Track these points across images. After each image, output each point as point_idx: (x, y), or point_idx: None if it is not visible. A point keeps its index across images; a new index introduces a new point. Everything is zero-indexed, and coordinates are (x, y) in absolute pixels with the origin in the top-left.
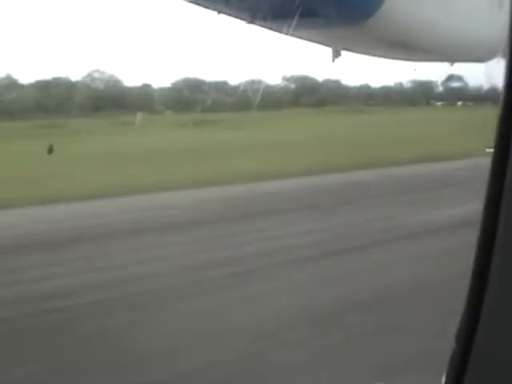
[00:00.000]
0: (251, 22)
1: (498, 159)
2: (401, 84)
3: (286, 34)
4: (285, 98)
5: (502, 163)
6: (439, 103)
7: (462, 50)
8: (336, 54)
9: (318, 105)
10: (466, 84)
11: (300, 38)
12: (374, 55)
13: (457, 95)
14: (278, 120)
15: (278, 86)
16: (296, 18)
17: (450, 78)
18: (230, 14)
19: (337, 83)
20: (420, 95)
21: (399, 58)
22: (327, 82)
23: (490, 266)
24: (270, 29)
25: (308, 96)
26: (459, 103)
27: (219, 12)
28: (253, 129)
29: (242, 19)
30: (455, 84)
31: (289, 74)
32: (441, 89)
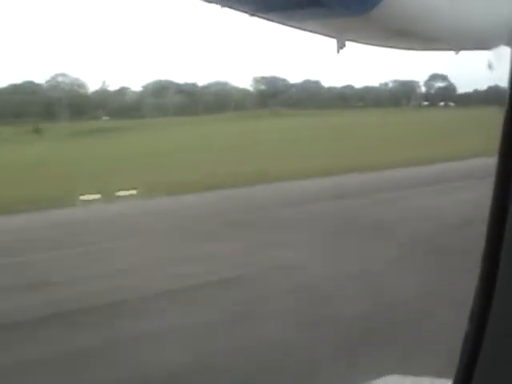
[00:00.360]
0: (254, 14)
1: (503, 161)
2: (386, 84)
3: (290, 25)
4: (247, 99)
5: (507, 165)
6: (414, 104)
7: (469, 37)
8: (341, 45)
9: (282, 107)
10: (451, 84)
11: (304, 29)
12: (380, 45)
13: (440, 96)
14: (196, 126)
15: (239, 87)
16: (300, 9)
17: (434, 77)
18: (232, 7)
19: (316, 84)
20: (402, 95)
21: (405, 48)
22: (307, 83)
23: (501, 243)
24: (274, 21)
25: (272, 98)
26: (441, 104)
27: (222, 5)
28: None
29: (245, 12)
30: (439, 84)
31: (259, 75)
32: (423, 89)
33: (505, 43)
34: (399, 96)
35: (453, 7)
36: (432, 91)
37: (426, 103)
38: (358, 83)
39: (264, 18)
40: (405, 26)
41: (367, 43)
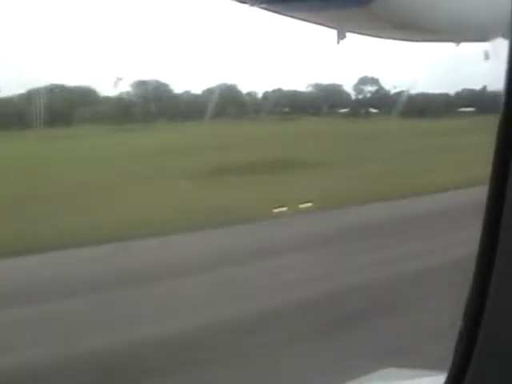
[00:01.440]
0: (253, 4)
1: (498, 163)
2: (316, 87)
3: (291, 16)
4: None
5: (502, 168)
6: (312, 115)
7: (472, 29)
8: (341, 36)
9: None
10: (382, 88)
11: (304, 20)
12: (381, 37)
13: (368, 101)
14: None
15: (100, 93)
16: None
17: (364, 80)
18: None
19: (231, 88)
20: (323, 101)
21: (407, 39)
22: (220, 88)
23: (497, 242)
24: (273, 11)
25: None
26: (363, 111)
27: None
28: None
29: (243, 2)
30: (369, 88)
31: (138, 78)
32: (351, 94)
33: (502, 35)
34: (319, 102)
35: None
36: (361, 96)
37: (343, 110)
38: (289, 86)
39: (265, 9)
40: (408, 18)
41: (369, 35)
